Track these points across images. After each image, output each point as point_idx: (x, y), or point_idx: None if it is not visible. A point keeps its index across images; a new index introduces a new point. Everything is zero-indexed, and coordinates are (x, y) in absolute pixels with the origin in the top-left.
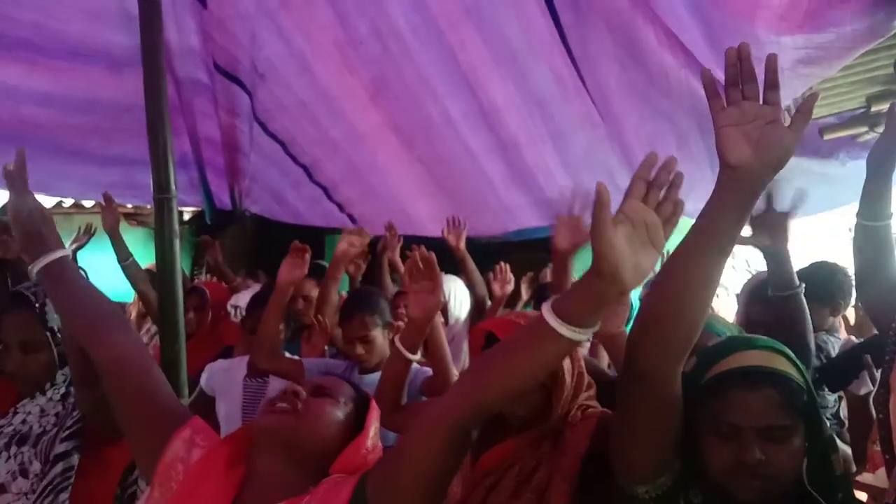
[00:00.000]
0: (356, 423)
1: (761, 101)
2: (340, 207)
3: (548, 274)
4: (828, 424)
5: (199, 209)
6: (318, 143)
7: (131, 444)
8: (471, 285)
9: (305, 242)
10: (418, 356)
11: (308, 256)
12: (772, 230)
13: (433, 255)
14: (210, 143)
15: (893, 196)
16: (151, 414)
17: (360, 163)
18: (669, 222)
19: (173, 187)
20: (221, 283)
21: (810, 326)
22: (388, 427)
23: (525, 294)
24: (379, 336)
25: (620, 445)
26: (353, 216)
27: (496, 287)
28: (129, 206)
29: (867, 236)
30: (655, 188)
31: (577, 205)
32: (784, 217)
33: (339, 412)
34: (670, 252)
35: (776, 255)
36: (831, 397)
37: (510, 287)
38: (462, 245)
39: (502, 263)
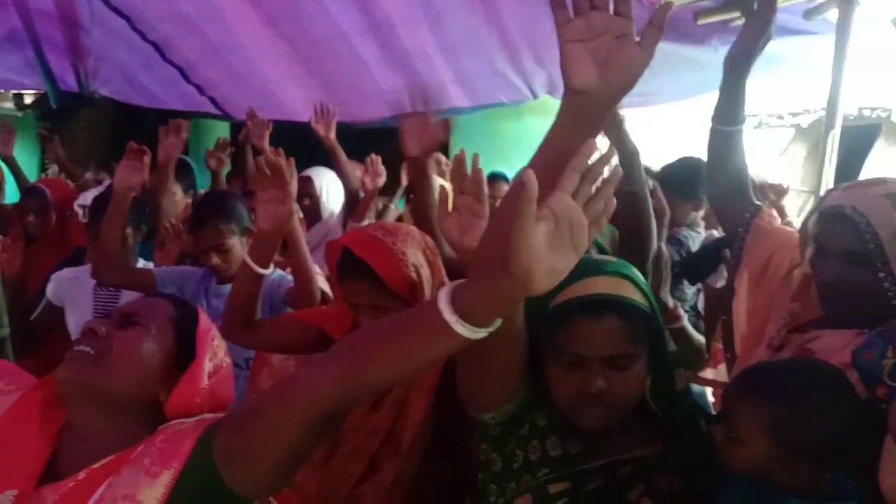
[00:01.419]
0: (183, 350)
1: (612, 12)
2: (200, 90)
3: (432, 164)
4: (671, 341)
5: (43, 92)
6: (170, 19)
7: None
8: (343, 177)
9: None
10: (270, 270)
11: (147, 159)
12: (610, 131)
13: (282, 161)
14: (44, 17)
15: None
16: None
17: (219, 42)
18: (596, 222)
19: None
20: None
21: (653, 223)
22: (244, 345)
23: (405, 180)
24: (236, 244)
25: (464, 377)
26: (216, 99)
27: (367, 180)
28: None
29: (718, 140)
30: (588, 181)
31: (419, 103)
32: (615, 114)
33: (152, 342)
34: None
35: (619, 149)
36: (690, 290)
37: (381, 179)
38: (332, 135)
39: (373, 156)
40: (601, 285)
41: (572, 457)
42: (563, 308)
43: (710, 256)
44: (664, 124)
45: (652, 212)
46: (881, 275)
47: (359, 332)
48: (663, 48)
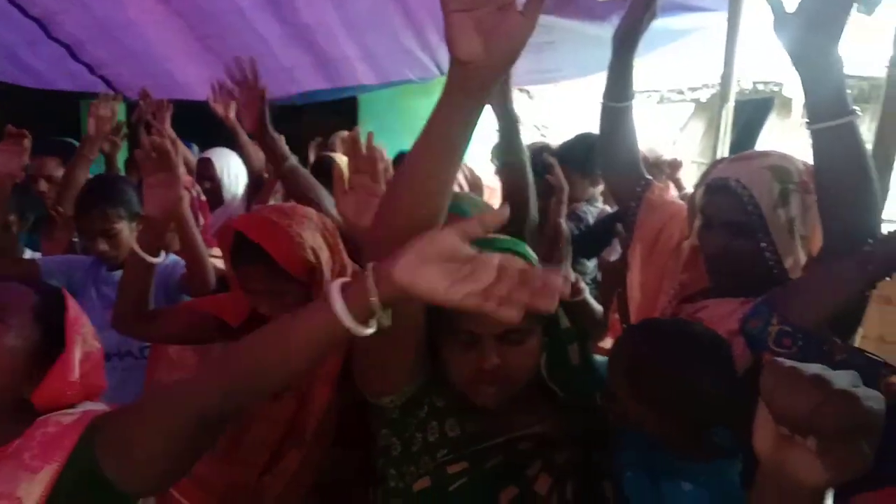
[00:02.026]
0: (49, 341)
1: None
2: (91, 69)
3: (338, 142)
4: (566, 320)
5: None
6: None
7: None
8: (246, 158)
9: (56, 109)
10: (161, 258)
11: (28, 142)
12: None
13: (167, 143)
14: None
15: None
16: None
17: (108, 19)
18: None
19: None
20: None
21: (532, 194)
22: (138, 337)
23: (312, 157)
24: (125, 229)
25: (361, 362)
26: (108, 79)
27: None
28: None
29: (609, 117)
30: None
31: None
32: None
33: (14, 339)
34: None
35: (501, 118)
36: (591, 264)
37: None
38: (232, 115)
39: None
40: None
41: (471, 436)
42: None
43: (603, 231)
44: (572, 101)
45: (532, 183)
46: (763, 244)
47: (242, 342)
48: (565, 25)
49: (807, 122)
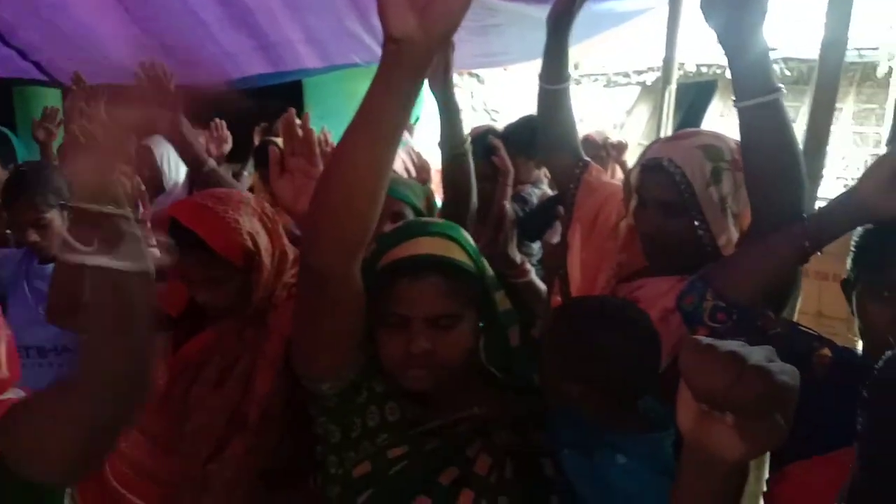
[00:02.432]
0: None
1: None
2: (23, 54)
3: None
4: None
5: None
6: None
7: None
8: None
9: None
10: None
11: None
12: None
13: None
14: None
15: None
16: None
17: (39, 1)
18: None
19: None
20: None
21: (473, 181)
22: (71, 329)
23: (256, 142)
24: (56, 218)
25: (300, 345)
26: (41, 64)
27: (212, 147)
28: None
29: (546, 99)
30: None
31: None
32: (444, 59)
33: None
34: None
35: (442, 105)
36: (535, 246)
37: (227, 146)
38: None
39: (217, 120)
40: (424, 246)
41: (410, 420)
42: (388, 269)
43: (545, 213)
44: (523, 85)
45: (472, 171)
46: (696, 223)
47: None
48: (510, 8)
49: (734, 100)
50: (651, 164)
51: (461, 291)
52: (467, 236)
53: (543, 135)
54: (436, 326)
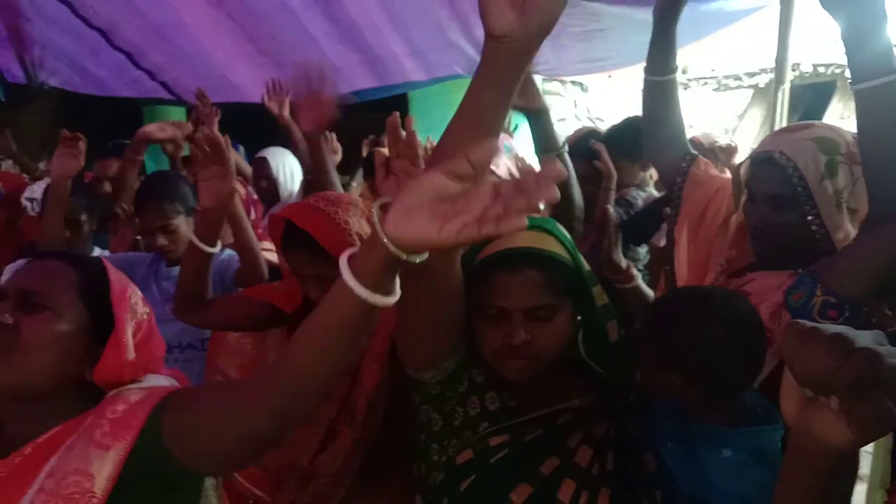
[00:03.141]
0: (99, 318)
1: None
2: (151, 75)
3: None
4: (598, 294)
5: None
6: (110, 3)
7: None
8: (301, 156)
9: (121, 116)
10: (218, 248)
11: (83, 144)
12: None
13: (219, 137)
14: None
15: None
16: None
17: (163, 23)
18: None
19: None
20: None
21: (576, 185)
22: (196, 324)
23: (364, 154)
24: (182, 224)
25: (403, 335)
26: (168, 84)
27: None
28: None
29: (652, 91)
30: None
31: (314, 79)
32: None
33: (63, 324)
34: None
35: (535, 115)
36: (642, 250)
37: (337, 157)
38: (286, 112)
39: (327, 133)
40: (521, 239)
41: (511, 409)
42: (485, 262)
43: (651, 216)
44: (627, 93)
45: (573, 176)
46: (809, 217)
47: (281, 353)
48: (614, 12)
49: (850, 83)
50: (762, 157)
51: (558, 283)
52: (563, 230)
53: (649, 128)
54: (533, 318)
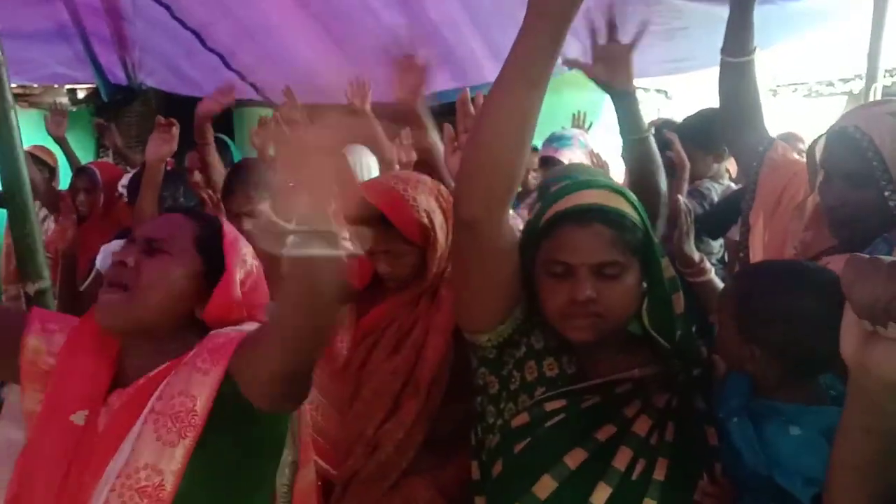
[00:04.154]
0: (211, 265)
1: None
2: (241, 76)
3: None
4: (669, 268)
5: (94, 86)
6: (203, 4)
7: None
8: (378, 149)
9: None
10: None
11: (176, 130)
12: (613, 64)
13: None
14: (90, 10)
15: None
16: None
17: (253, 24)
18: None
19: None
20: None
21: (661, 172)
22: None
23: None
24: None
25: (458, 295)
26: (257, 85)
27: (401, 154)
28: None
29: (729, 73)
30: None
31: (408, 45)
32: (626, 50)
33: (179, 267)
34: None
35: (621, 96)
36: (716, 244)
37: (414, 155)
38: (367, 108)
39: (406, 129)
40: (589, 197)
41: (569, 376)
42: (553, 220)
43: (728, 209)
44: (712, 101)
45: (656, 155)
46: (886, 193)
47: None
48: (697, 8)
49: None
50: (836, 132)
51: (626, 243)
52: (632, 193)
53: (725, 112)
54: (600, 275)
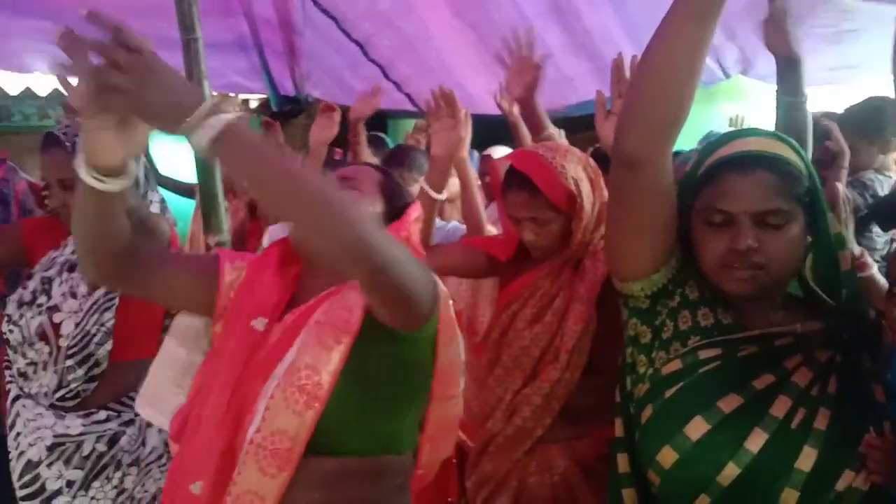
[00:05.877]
0: (390, 212)
1: None
2: (398, 87)
3: None
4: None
5: (265, 97)
6: (368, 16)
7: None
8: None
9: (369, 126)
10: (444, 195)
11: (337, 115)
12: (775, 28)
13: (453, 92)
14: (266, 23)
15: None
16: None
17: (412, 35)
18: None
19: (198, 27)
20: None
21: (808, 146)
22: None
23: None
24: (417, 191)
25: (612, 238)
26: (411, 95)
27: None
28: None
29: None
30: None
31: (524, 45)
32: (781, 15)
33: (364, 201)
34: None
35: (784, 60)
36: (881, 239)
37: None
38: (516, 110)
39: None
40: (752, 144)
41: (725, 326)
42: (713, 167)
43: None
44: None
45: (810, 124)
46: None
47: None
48: (872, 10)
49: None
50: None
51: (790, 190)
52: (795, 142)
53: None
54: (763, 224)
